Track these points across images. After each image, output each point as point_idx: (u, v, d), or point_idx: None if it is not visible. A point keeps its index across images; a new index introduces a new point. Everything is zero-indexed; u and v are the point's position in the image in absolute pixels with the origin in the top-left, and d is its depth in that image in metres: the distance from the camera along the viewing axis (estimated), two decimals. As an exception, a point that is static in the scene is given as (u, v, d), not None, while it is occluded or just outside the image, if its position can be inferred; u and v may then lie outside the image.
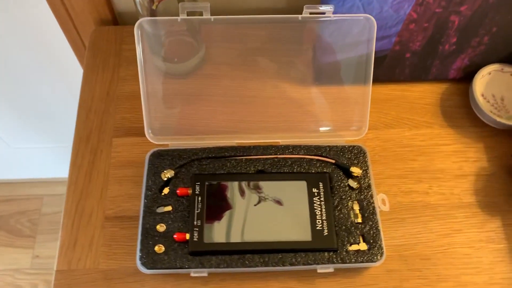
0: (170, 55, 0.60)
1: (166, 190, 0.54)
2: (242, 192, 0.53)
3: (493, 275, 0.52)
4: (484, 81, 0.62)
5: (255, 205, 0.53)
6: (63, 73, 0.83)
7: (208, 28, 0.61)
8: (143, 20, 0.51)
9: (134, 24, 0.50)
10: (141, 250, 0.50)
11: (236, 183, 0.54)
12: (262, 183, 0.54)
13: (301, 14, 0.51)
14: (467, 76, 0.63)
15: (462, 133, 0.61)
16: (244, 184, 0.54)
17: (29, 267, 1.25)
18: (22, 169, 1.27)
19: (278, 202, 0.53)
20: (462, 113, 0.63)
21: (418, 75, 0.63)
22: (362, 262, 0.50)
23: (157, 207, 0.53)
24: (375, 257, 0.50)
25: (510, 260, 0.53)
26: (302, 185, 0.54)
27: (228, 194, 0.53)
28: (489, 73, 0.62)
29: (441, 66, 0.62)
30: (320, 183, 0.54)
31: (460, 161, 0.59)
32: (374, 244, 0.51)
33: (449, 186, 0.58)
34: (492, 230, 0.55)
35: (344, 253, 0.50)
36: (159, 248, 0.50)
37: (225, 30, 0.60)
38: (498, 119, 0.59)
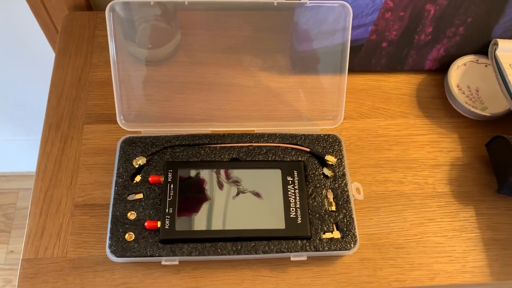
0: (144, 41, 0.59)
1: (137, 178, 0.52)
2: (220, 185, 0.52)
3: (465, 263, 0.53)
4: (460, 72, 0.62)
5: (233, 197, 0.52)
6: (35, 61, 0.81)
7: (183, 14, 0.61)
8: (115, 2, 0.50)
9: (108, 10, 0.49)
10: (110, 238, 0.49)
11: (214, 176, 0.53)
12: (239, 176, 0.53)
13: (277, 0, 0.51)
14: (443, 67, 0.64)
15: (437, 124, 0.61)
16: (222, 176, 0.53)
17: (3, 262, 1.22)
18: (-3, 162, 1.24)
19: (257, 195, 0.52)
20: (438, 103, 0.63)
21: (394, 65, 0.63)
22: (335, 250, 0.50)
23: (128, 195, 0.51)
24: (349, 245, 0.50)
25: (482, 249, 0.54)
26: (276, 173, 0.53)
27: (206, 186, 0.52)
28: (464, 64, 0.62)
29: (417, 56, 0.62)
30: (294, 171, 0.53)
31: (435, 151, 0.59)
32: (347, 232, 0.51)
33: (424, 175, 0.58)
34: (465, 219, 0.55)
35: (317, 241, 0.50)
36: (130, 236, 0.49)
37: (201, 17, 0.60)
38: (473, 110, 0.59)
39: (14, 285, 1.21)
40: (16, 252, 1.24)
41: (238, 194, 0.52)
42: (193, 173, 0.53)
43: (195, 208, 0.51)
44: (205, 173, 0.53)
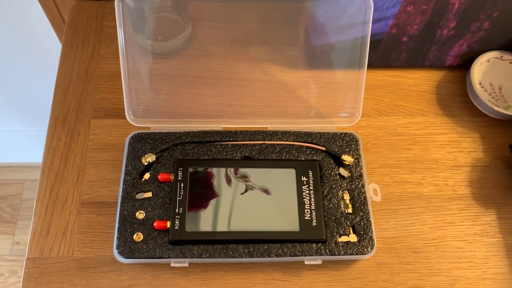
0: (154, 33, 0.57)
1: (146, 176, 0.51)
2: (228, 180, 0.50)
3: (486, 269, 0.51)
4: (483, 69, 0.60)
5: (241, 193, 0.50)
6: (42, 52, 0.79)
7: (195, 5, 0.58)
8: (125, -7, 0.47)
9: None
10: (118, 238, 0.47)
11: (222, 171, 0.51)
12: (249, 171, 0.51)
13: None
14: (464, 64, 0.61)
15: (458, 122, 0.59)
16: (230, 172, 0.51)
17: (9, 253, 1.21)
18: (3, 153, 1.23)
19: (266, 191, 0.50)
20: (458, 101, 0.60)
21: (414, 61, 0.61)
22: (351, 254, 0.48)
23: (137, 193, 0.50)
24: (366, 249, 0.48)
25: (504, 255, 0.51)
26: (290, 172, 0.51)
27: (214, 182, 0.50)
28: (488, 61, 0.60)
29: (438, 52, 0.59)
30: (309, 171, 0.51)
31: (455, 151, 0.57)
32: (364, 235, 0.49)
33: (443, 177, 0.55)
34: (486, 223, 0.53)
35: (333, 244, 0.48)
36: (138, 236, 0.47)
37: (213, 9, 0.57)
38: (496, 109, 0.56)
39: (20, 276, 1.21)
40: (22, 243, 1.23)
41: (250, 193, 0.50)
42: (204, 171, 0.51)
43: (206, 208, 0.49)
44: (218, 173, 0.51)
